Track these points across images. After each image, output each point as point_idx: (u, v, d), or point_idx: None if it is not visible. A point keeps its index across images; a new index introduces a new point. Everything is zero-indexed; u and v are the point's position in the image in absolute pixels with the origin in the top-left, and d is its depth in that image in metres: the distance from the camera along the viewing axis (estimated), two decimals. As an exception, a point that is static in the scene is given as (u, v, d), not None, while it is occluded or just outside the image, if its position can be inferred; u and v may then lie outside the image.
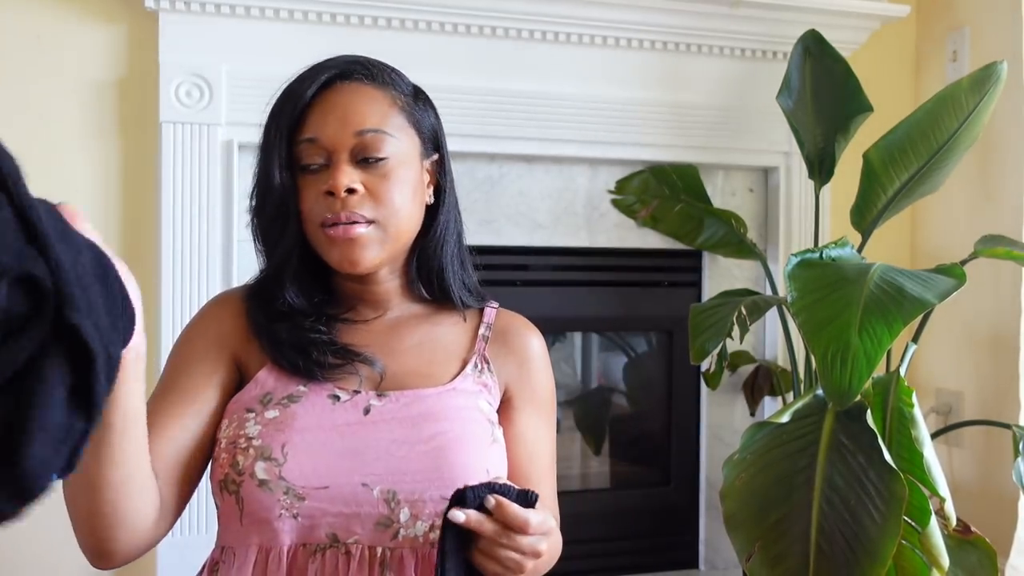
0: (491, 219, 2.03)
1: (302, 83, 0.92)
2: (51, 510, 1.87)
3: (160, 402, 0.91)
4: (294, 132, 0.91)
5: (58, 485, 0.43)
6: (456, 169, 1.98)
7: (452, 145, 1.91)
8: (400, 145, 0.93)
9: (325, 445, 0.87)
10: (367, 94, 0.92)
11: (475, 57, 1.94)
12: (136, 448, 0.74)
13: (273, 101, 0.94)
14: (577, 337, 2.32)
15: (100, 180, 1.81)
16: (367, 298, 0.99)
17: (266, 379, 0.92)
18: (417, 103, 0.97)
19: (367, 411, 0.90)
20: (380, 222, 0.91)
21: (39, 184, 1.69)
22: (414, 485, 0.87)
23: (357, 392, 0.92)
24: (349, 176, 0.89)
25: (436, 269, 0.99)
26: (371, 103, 0.92)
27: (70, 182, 1.79)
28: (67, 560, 1.79)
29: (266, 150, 0.92)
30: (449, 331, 1.00)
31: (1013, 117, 2.00)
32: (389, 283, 0.98)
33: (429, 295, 1.00)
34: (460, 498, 0.77)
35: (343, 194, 0.89)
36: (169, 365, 0.95)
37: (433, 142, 0.99)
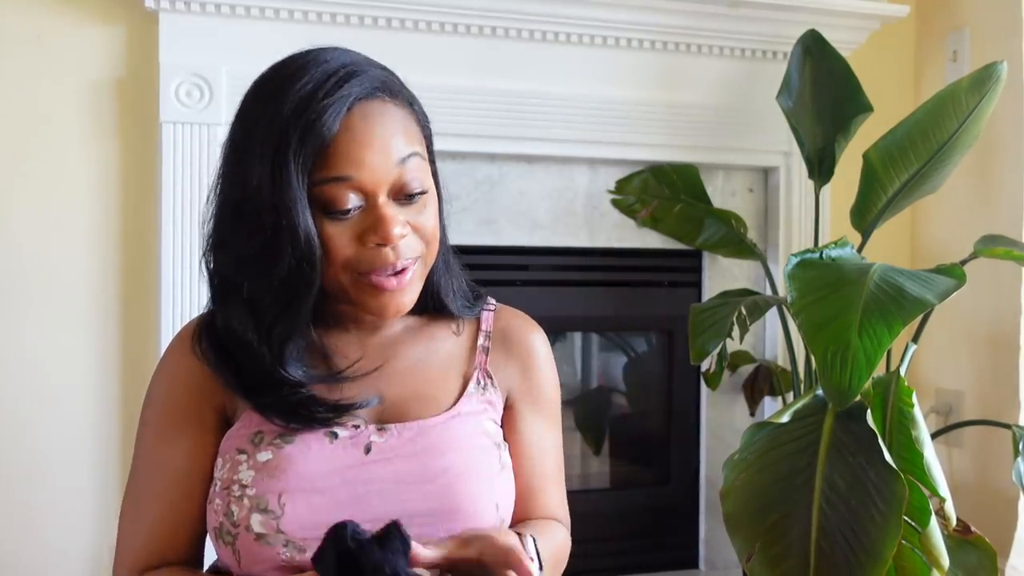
0: (491, 219, 2.03)
1: (325, 111, 0.76)
2: (53, 508, 1.86)
3: (151, 485, 0.85)
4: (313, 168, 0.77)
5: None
6: (456, 169, 2.01)
7: (452, 145, 1.93)
8: (427, 166, 0.84)
9: (325, 493, 0.80)
10: (394, 114, 0.81)
11: (475, 57, 1.94)
12: None
13: (274, 123, 0.77)
14: (577, 337, 2.32)
15: (100, 180, 1.81)
16: (360, 317, 0.89)
17: (253, 417, 0.84)
18: (419, 110, 0.87)
19: (368, 449, 0.83)
20: (422, 257, 0.83)
21: (39, 184, 1.70)
22: (422, 528, 0.80)
23: (357, 428, 0.84)
24: (398, 220, 0.79)
25: (432, 281, 0.90)
26: (401, 125, 0.81)
27: (70, 182, 1.79)
28: (70, 554, 1.79)
29: (283, 192, 0.75)
30: (446, 344, 0.93)
31: (1013, 117, 2.00)
32: None
33: (421, 307, 0.91)
34: None
35: (397, 242, 0.79)
36: (147, 436, 0.87)
37: (431, 146, 0.90)
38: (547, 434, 0.96)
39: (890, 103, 2.11)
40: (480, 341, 0.94)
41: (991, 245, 1.68)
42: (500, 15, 1.91)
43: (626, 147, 2.06)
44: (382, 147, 0.78)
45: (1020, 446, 1.59)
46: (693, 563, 2.23)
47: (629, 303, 2.17)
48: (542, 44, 1.99)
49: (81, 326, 1.81)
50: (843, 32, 2.08)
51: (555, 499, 0.96)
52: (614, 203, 2.11)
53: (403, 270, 0.80)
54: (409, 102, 0.84)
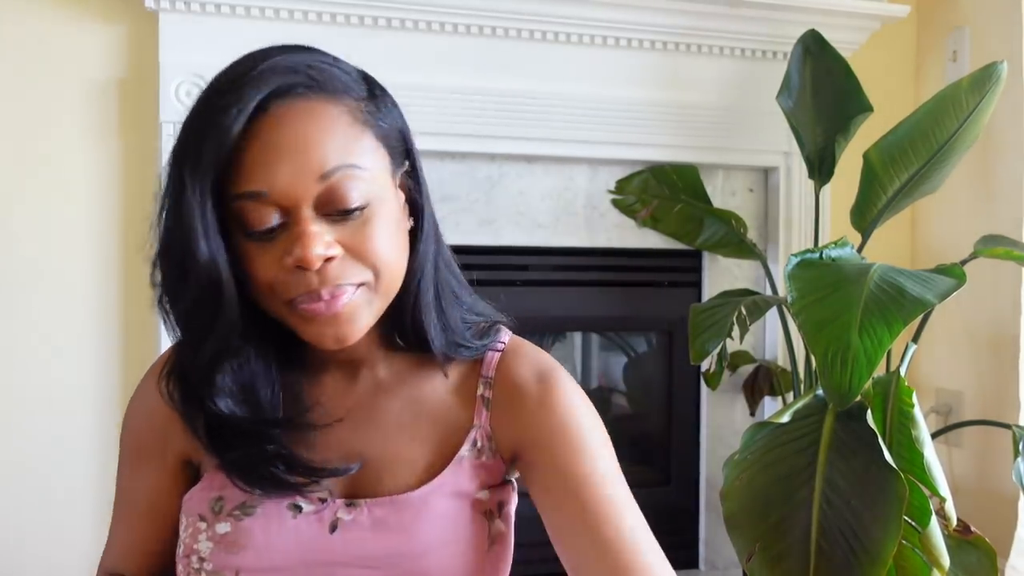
0: (491, 219, 2.03)
1: (223, 111, 0.65)
2: (52, 509, 1.86)
3: (121, 509, 0.83)
4: (223, 181, 0.66)
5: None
6: (456, 169, 2.01)
7: (452, 145, 1.93)
8: (374, 175, 0.69)
9: (284, 573, 0.73)
10: (321, 115, 0.67)
11: (475, 57, 1.94)
12: None
13: (180, 131, 0.69)
14: (577, 337, 2.32)
15: (100, 180, 1.81)
16: (339, 358, 0.79)
17: (216, 478, 0.76)
18: (378, 105, 0.72)
19: (334, 527, 0.74)
20: (369, 283, 0.70)
21: (39, 184, 1.70)
22: None
23: (323, 501, 0.74)
24: (322, 239, 0.66)
25: (412, 314, 0.76)
26: (330, 128, 0.67)
27: (70, 182, 1.79)
28: (69, 554, 1.79)
29: (179, 209, 0.65)
30: (435, 392, 0.80)
31: (1013, 117, 2.00)
32: (366, 336, 0.75)
33: (405, 344, 0.79)
34: None
35: (319, 265, 0.66)
36: (122, 461, 0.84)
37: (402, 150, 0.74)
38: (612, 488, 0.80)
39: (890, 103, 2.11)
40: (480, 390, 0.80)
41: (991, 245, 1.68)
42: (500, 15, 1.91)
43: (626, 147, 2.06)
44: (299, 156, 0.65)
45: (1020, 446, 1.59)
46: (693, 563, 2.23)
47: (629, 303, 2.17)
48: (542, 44, 1.99)
49: (82, 326, 1.81)
50: (843, 32, 2.08)
51: (653, 559, 0.77)
52: (614, 203, 2.11)
53: (336, 298, 0.68)
54: (359, 99, 0.70)
